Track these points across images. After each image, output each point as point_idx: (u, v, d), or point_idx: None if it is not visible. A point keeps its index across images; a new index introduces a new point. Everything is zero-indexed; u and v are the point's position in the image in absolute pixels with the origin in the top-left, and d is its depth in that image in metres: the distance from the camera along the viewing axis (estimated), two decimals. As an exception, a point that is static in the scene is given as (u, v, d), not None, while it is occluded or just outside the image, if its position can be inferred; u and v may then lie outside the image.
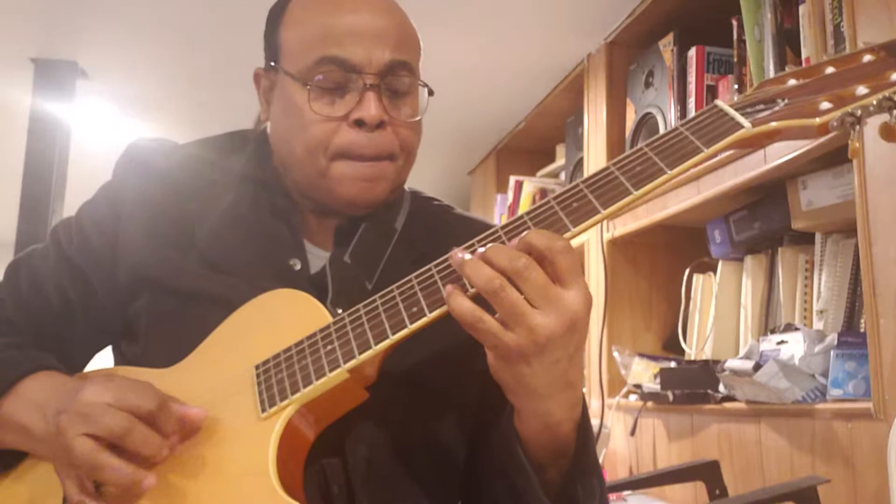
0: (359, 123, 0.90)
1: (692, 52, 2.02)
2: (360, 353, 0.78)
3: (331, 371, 0.78)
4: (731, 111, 0.77)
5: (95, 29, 2.45)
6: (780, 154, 1.60)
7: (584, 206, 0.76)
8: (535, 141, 3.20)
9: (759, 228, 1.88)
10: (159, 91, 2.88)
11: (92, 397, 0.78)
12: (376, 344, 0.77)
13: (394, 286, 0.80)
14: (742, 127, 0.76)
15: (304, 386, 0.79)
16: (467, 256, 0.74)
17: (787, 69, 0.82)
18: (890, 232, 1.34)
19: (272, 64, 0.97)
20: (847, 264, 1.62)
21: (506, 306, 0.71)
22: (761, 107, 0.78)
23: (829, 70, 0.79)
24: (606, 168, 0.78)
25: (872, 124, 0.76)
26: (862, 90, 0.74)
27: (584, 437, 0.79)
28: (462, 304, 0.72)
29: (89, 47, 2.57)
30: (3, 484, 0.91)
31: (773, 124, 0.76)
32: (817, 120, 0.74)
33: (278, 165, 0.99)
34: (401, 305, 0.78)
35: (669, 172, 0.75)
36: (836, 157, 1.58)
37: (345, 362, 0.78)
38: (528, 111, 3.02)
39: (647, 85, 2.19)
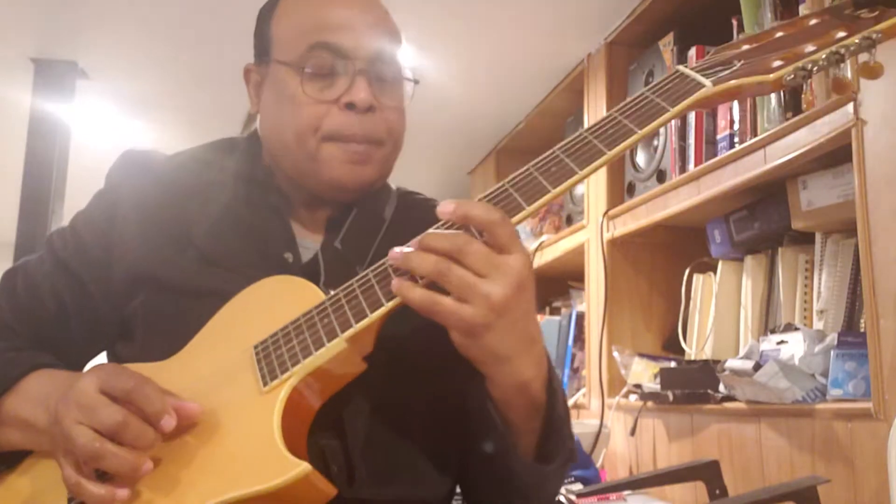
0: (349, 107, 0.94)
1: (692, 51, 2.02)
2: (356, 322, 0.80)
3: (329, 341, 0.80)
4: (693, 73, 0.84)
5: (95, 29, 2.45)
6: (780, 154, 1.60)
7: (561, 168, 0.80)
8: (535, 141, 3.20)
9: (759, 228, 1.88)
10: (159, 91, 2.88)
11: (87, 385, 0.80)
12: (372, 312, 0.79)
13: (385, 259, 0.82)
14: (704, 86, 0.82)
15: (304, 357, 0.80)
16: (407, 250, 0.78)
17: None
18: (890, 232, 1.34)
19: (264, 58, 1.00)
20: (847, 264, 1.62)
21: (456, 284, 0.75)
22: (720, 68, 0.85)
23: (779, 34, 0.86)
24: (580, 134, 0.83)
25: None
26: (810, 48, 0.82)
27: (552, 394, 0.83)
28: (415, 293, 0.76)
29: (89, 47, 2.57)
30: (7, 481, 0.92)
31: (733, 82, 0.82)
32: (772, 76, 0.81)
33: (268, 158, 1.02)
34: (393, 275, 0.80)
35: (639, 132, 0.81)
36: (836, 157, 1.58)
37: (342, 331, 0.80)
38: (528, 111, 3.02)
39: (647, 85, 2.18)
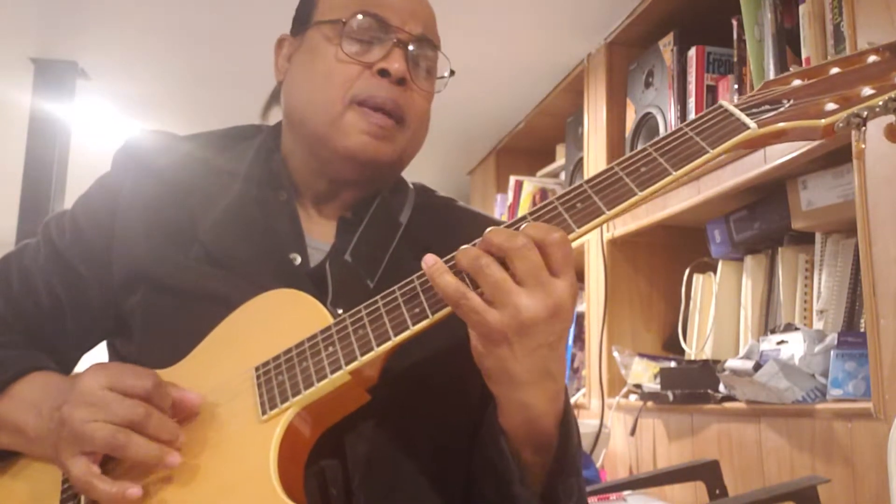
0: (382, 73, 0.93)
1: (692, 51, 2.02)
2: (361, 355, 0.77)
3: (332, 373, 0.77)
4: (737, 112, 0.77)
5: (95, 29, 2.45)
6: (780, 154, 1.60)
7: (588, 206, 0.76)
8: (535, 141, 3.20)
9: (759, 228, 1.88)
10: (159, 91, 2.88)
11: (92, 384, 0.79)
12: (378, 346, 0.77)
13: (395, 287, 0.80)
14: (748, 128, 0.75)
15: (305, 388, 0.78)
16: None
17: (790, 69, 0.81)
18: (890, 232, 1.34)
19: (302, 27, 0.99)
20: (847, 264, 1.62)
21: (491, 283, 0.72)
22: (766, 107, 0.78)
23: (834, 70, 0.79)
24: (610, 168, 0.77)
25: (872, 125, 0.76)
26: (867, 91, 0.74)
27: (566, 434, 0.80)
28: (447, 281, 0.73)
29: (89, 47, 2.57)
30: None
31: (779, 125, 0.75)
32: (823, 121, 0.74)
33: (286, 140, 1.00)
34: (403, 307, 0.77)
35: (675, 174, 0.75)
36: (836, 157, 1.58)
37: (346, 364, 0.77)
38: (528, 111, 3.02)
39: (647, 85, 2.19)
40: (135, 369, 0.81)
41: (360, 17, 0.94)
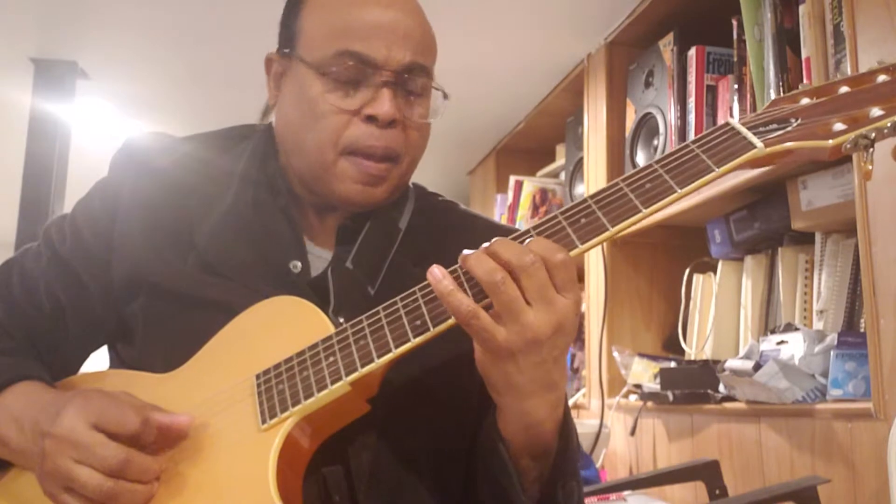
0: (370, 119, 0.90)
1: (692, 51, 2.02)
2: (362, 366, 0.77)
3: (332, 383, 0.77)
4: (744, 130, 0.77)
5: (95, 29, 2.45)
6: (780, 154, 1.60)
7: (592, 222, 0.76)
8: (535, 141, 3.20)
9: (759, 228, 1.88)
10: (159, 91, 2.88)
11: (76, 421, 0.78)
12: (379, 357, 0.77)
13: (397, 298, 0.79)
14: (754, 147, 0.75)
15: (306, 398, 0.78)
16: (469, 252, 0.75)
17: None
18: (890, 232, 1.34)
19: (287, 50, 0.96)
20: (847, 264, 1.62)
21: (504, 300, 0.72)
22: (774, 126, 0.77)
23: (843, 89, 0.78)
24: (615, 184, 0.77)
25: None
26: (876, 112, 0.74)
27: (566, 439, 0.80)
28: (459, 300, 0.73)
29: (89, 47, 2.57)
30: None
31: (786, 145, 0.75)
32: (830, 142, 0.74)
33: (282, 155, 0.98)
34: (405, 318, 0.78)
35: (680, 191, 0.75)
36: (836, 157, 1.58)
37: (347, 375, 0.77)
38: (528, 111, 3.02)
39: (647, 85, 2.19)
40: (120, 406, 0.79)
41: (343, 61, 0.89)
